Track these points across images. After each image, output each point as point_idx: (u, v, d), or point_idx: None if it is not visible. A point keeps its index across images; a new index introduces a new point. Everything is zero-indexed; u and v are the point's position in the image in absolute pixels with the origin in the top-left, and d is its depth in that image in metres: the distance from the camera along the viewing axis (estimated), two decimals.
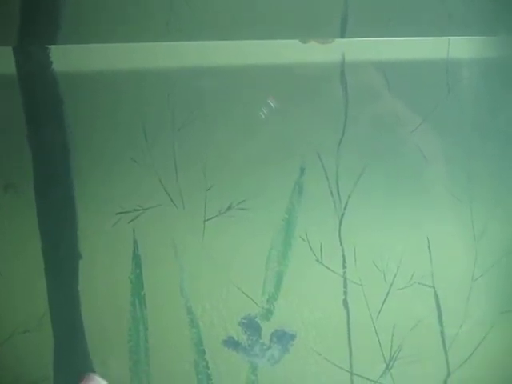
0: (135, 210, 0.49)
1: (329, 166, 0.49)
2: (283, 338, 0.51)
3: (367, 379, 0.52)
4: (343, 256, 0.50)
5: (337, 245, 0.50)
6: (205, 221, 0.49)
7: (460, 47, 0.47)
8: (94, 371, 0.52)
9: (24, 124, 0.47)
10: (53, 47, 0.46)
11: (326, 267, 0.50)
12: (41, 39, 0.46)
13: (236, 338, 0.51)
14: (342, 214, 0.49)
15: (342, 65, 0.47)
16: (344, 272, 0.50)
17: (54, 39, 0.46)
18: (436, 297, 0.51)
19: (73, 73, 0.46)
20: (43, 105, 0.47)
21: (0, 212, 0.49)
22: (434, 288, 0.51)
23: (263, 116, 0.47)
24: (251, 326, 0.51)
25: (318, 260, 0.50)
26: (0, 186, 0.48)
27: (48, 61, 0.46)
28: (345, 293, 0.51)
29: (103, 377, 0.52)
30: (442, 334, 0.51)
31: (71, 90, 0.47)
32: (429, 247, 0.50)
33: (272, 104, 0.47)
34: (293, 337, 0.51)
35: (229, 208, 0.49)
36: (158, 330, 0.51)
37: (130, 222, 0.49)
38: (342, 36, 0.46)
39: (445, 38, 0.46)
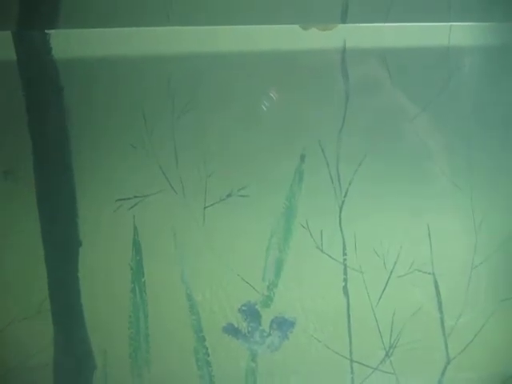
0: (135, 196, 0.49)
1: (329, 154, 0.48)
2: (283, 325, 0.51)
3: (367, 366, 0.52)
4: (343, 243, 0.50)
5: (337, 232, 0.50)
6: (205, 207, 0.49)
7: (462, 34, 0.46)
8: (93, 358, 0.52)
9: (23, 110, 0.47)
10: (52, 32, 0.45)
11: (327, 254, 0.50)
12: (40, 24, 0.46)
13: (236, 325, 0.51)
14: (343, 202, 0.49)
15: (343, 52, 0.46)
16: (344, 259, 0.50)
17: (54, 24, 0.45)
18: (436, 284, 0.51)
19: (72, 58, 0.46)
20: (43, 90, 0.47)
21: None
22: (433, 275, 0.51)
23: (265, 108, 0.47)
24: (251, 313, 0.51)
25: (318, 247, 0.50)
26: (0, 172, 0.48)
27: (47, 46, 0.46)
28: (345, 280, 0.51)
29: (103, 364, 0.52)
30: (442, 321, 0.51)
31: (71, 76, 0.46)
32: (429, 234, 0.50)
33: (273, 96, 0.47)
34: (293, 324, 0.51)
35: (229, 195, 0.49)
36: (158, 317, 0.51)
37: (130, 209, 0.49)
38: (343, 21, 0.46)
39: (446, 24, 0.46)
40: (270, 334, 0.52)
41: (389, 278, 0.50)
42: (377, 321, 0.51)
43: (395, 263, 0.50)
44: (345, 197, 0.49)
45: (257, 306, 0.51)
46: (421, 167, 0.49)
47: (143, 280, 0.51)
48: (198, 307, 0.51)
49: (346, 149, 0.48)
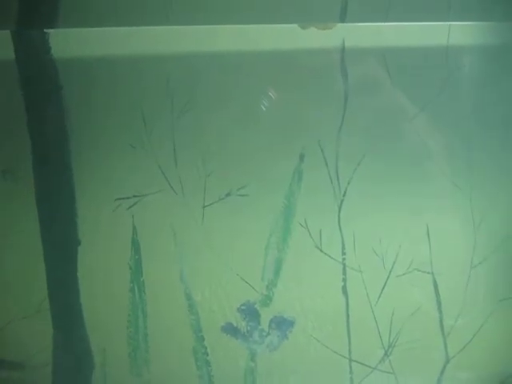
0: (134, 196, 0.49)
1: (328, 153, 0.48)
2: (282, 324, 0.51)
3: (366, 366, 0.52)
4: (342, 243, 0.50)
5: (336, 231, 0.50)
6: (204, 207, 0.49)
7: (461, 33, 0.46)
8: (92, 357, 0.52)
9: (22, 109, 0.47)
10: (51, 31, 0.45)
11: (326, 254, 0.50)
12: (39, 23, 0.46)
13: (235, 325, 0.51)
14: (342, 201, 0.49)
15: (342, 51, 0.46)
16: (343, 259, 0.50)
17: (53, 23, 0.46)
18: (435, 284, 0.51)
19: (72, 57, 0.46)
20: (42, 89, 0.47)
21: None
22: (432, 275, 0.51)
23: (264, 108, 0.47)
24: (250, 312, 0.51)
25: (317, 246, 0.50)
26: None
27: (47, 45, 0.46)
28: (344, 279, 0.51)
29: (102, 363, 0.52)
30: (441, 320, 0.51)
31: (70, 75, 0.46)
32: (428, 234, 0.50)
33: (272, 95, 0.47)
34: (292, 323, 0.51)
35: (228, 194, 0.49)
36: (157, 317, 0.51)
37: (129, 208, 0.49)
38: (342, 21, 0.46)
39: (445, 23, 0.46)
40: (269, 334, 0.52)
41: (388, 277, 0.50)
42: (376, 320, 0.51)
43: (394, 263, 0.50)
44: (344, 196, 0.49)
45: (256, 306, 0.51)
46: (420, 167, 0.49)
47: (142, 279, 0.51)
48: (197, 307, 0.51)
49: (345, 148, 0.48)
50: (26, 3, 0.45)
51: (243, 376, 0.53)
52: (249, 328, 0.51)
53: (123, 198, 0.49)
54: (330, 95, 0.47)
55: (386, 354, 0.52)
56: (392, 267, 0.50)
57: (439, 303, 0.51)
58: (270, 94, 0.47)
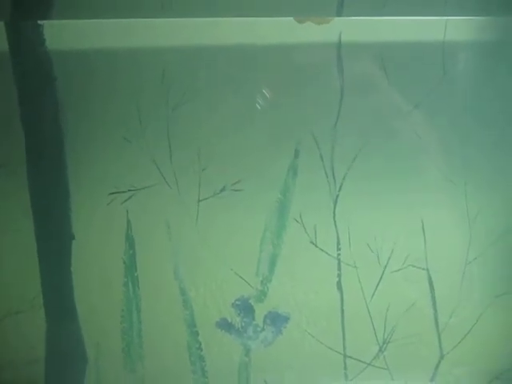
0: (129, 190, 0.49)
1: (324, 148, 0.48)
2: (277, 319, 0.51)
3: (360, 361, 0.52)
4: (337, 238, 0.50)
5: (331, 227, 0.50)
6: (199, 201, 0.49)
7: (458, 28, 0.46)
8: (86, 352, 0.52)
9: (16, 102, 0.47)
10: (46, 23, 0.45)
11: (320, 249, 0.50)
12: (33, 15, 0.45)
13: (229, 320, 0.51)
14: (337, 196, 0.49)
15: (339, 46, 0.46)
16: (338, 254, 0.50)
17: (47, 15, 0.45)
18: (430, 279, 0.51)
19: (66, 50, 0.45)
20: (36, 82, 0.46)
21: None
22: (427, 271, 0.51)
23: (258, 107, 0.47)
24: (245, 307, 0.51)
25: (312, 242, 0.50)
26: None
27: (41, 37, 0.45)
28: (339, 275, 0.50)
29: (95, 358, 0.52)
30: (436, 316, 0.51)
31: (64, 68, 0.46)
32: (423, 230, 0.50)
33: (268, 89, 0.46)
34: (286, 319, 0.51)
35: (223, 189, 0.49)
36: (151, 312, 0.51)
37: (123, 203, 0.49)
38: (339, 15, 0.46)
39: (442, 18, 0.46)
40: (263, 329, 0.52)
41: (383, 273, 0.50)
42: (370, 316, 0.51)
43: (389, 258, 0.50)
44: (339, 192, 0.49)
45: (250, 301, 0.51)
46: (416, 163, 0.49)
47: (136, 274, 0.50)
48: (192, 302, 0.51)
49: (340, 143, 0.48)
50: None
51: (237, 371, 0.53)
52: (243, 323, 0.51)
53: (117, 192, 0.49)
54: (326, 90, 0.47)
55: (380, 349, 0.52)
56: (387, 263, 0.50)
57: (434, 299, 0.51)
58: (266, 88, 0.47)
